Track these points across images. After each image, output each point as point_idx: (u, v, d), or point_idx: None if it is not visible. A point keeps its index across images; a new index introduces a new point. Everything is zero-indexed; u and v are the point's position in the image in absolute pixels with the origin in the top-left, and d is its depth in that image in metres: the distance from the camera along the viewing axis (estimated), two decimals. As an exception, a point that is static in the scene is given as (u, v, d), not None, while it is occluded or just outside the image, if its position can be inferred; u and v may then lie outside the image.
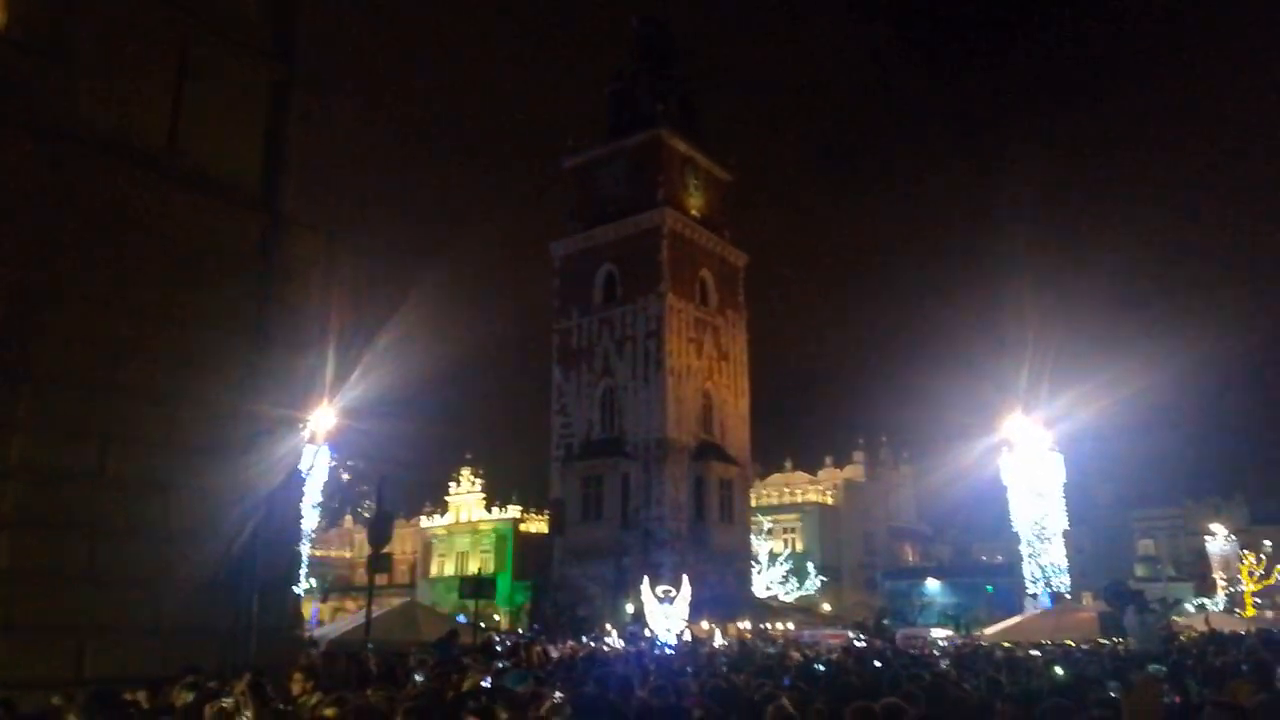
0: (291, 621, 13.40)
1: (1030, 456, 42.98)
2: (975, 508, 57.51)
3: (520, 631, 35.52)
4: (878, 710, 7.62)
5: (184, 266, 11.34)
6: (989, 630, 30.11)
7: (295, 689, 8.45)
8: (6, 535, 9.36)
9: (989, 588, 52.25)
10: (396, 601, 22.98)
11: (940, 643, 28.70)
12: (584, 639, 28.67)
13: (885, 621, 38.40)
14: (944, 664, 16.55)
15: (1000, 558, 56.37)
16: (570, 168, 55.57)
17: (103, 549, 9.84)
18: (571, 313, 53.40)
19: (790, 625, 43.05)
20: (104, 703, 5.78)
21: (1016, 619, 29.84)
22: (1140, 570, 51.81)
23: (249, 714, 7.75)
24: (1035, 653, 19.04)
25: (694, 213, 53.37)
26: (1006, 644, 24.01)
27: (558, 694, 7.20)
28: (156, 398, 10.69)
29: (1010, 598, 44.06)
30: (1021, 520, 43.88)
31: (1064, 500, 44.18)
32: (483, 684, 9.14)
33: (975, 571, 58.86)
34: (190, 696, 7.75)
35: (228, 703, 7.91)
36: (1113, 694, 10.44)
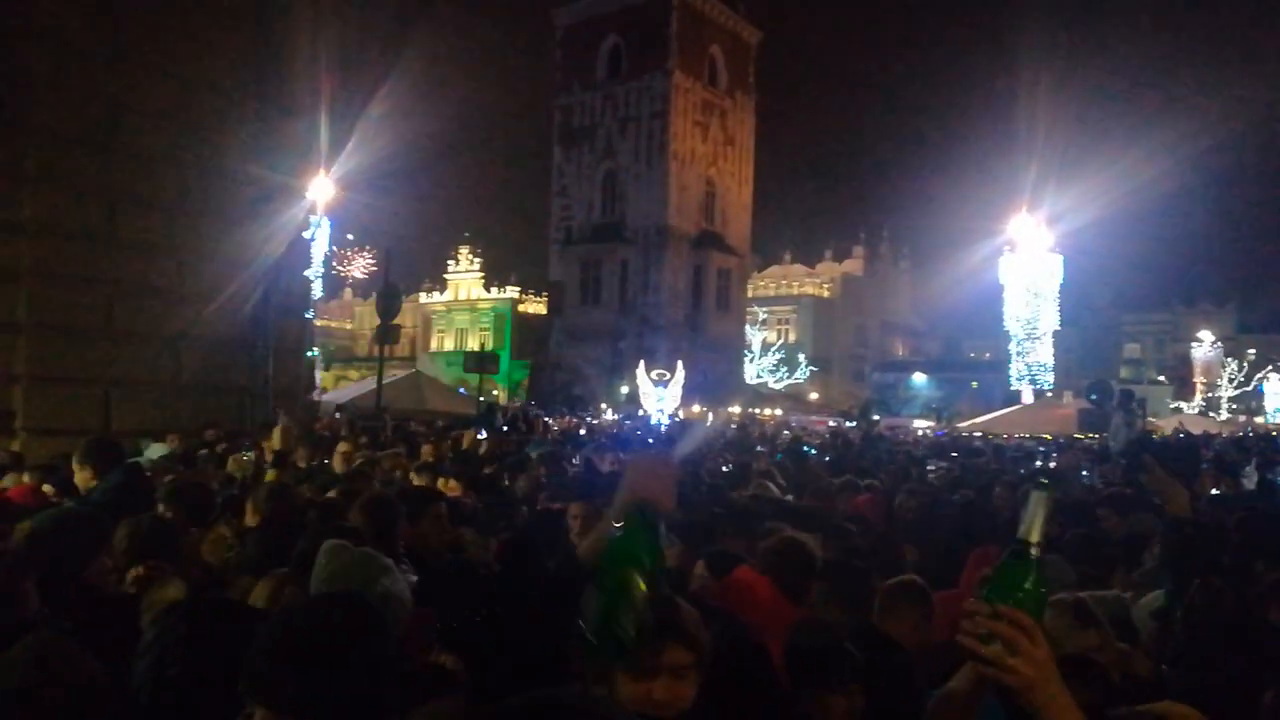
0: (305, 384, 13.87)
1: (1031, 256, 43.08)
2: (970, 307, 58.27)
3: (519, 405, 36.78)
4: (861, 485, 8.17)
5: (178, 23, 10.85)
6: (969, 422, 31.31)
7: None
8: (25, 289, 9.51)
9: (974, 383, 53.82)
10: (401, 373, 23.67)
11: (920, 432, 29.91)
12: (581, 415, 29.79)
13: (870, 411, 39.85)
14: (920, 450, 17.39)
15: (989, 355, 57.70)
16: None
17: (120, 307, 10.03)
18: (574, 88, 51.55)
19: (779, 411, 44.66)
20: (104, 451, 5.92)
21: (997, 413, 30.93)
22: (1124, 372, 53.29)
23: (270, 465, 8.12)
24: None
25: (706, -22, 50.30)
26: (982, 434, 25.10)
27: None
28: (160, 159, 10.54)
29: (994, 394, 45.50)
30: (1014, 319, 44.60)
31: (1059, 301, 44.78)
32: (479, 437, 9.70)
33: (962, 367, 60.42)
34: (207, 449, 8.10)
35: (247, 456, 8.29)
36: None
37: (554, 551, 4.03)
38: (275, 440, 5.54)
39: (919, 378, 59.83)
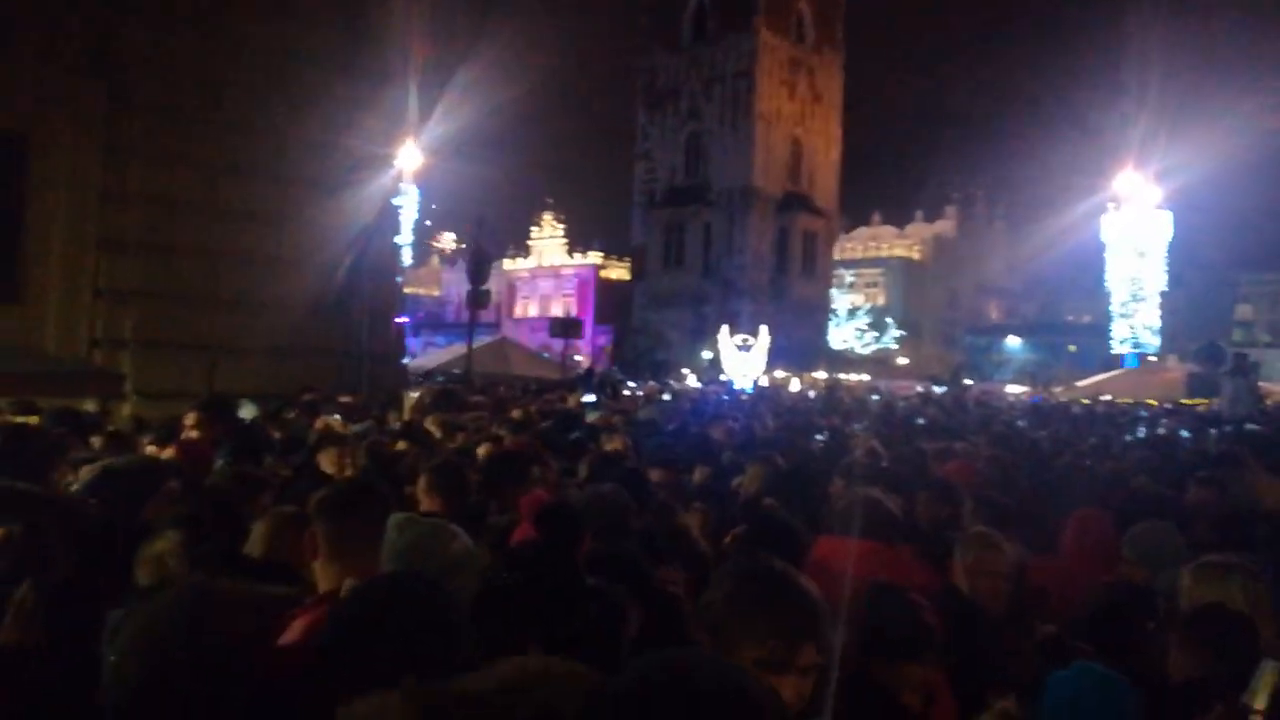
0: (397, 348, 14.18)
1: (1136, 213, 41.11)
2: (1069, 268, 55.85)
3: (604, 370, 37.00)
4: (959, 450, 7.89)
5: (273, 1, 11.09)
6: (1067, 387, 30.17)
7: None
8: (133, 258, 9.90)
9: (1072, 347, 51.87)
10: (487, 339, 24.02)
11: (1009, 398, 28.87)
12: (664, 381, 29.79)
13: (961, 375, 38.80)
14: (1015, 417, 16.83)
15: (1088, 318, 55.43)
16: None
17: (223, 274, 10.38)
18: (657, 50, 51.03)
19: (865, 376, 43.84)
20: (215, 408, 6.24)
21: (1098, 377, 29.72)
22: (1236, 335, 50.60)
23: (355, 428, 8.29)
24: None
25: (794, -68, 49.04)
26: (1084, 400, 24.15)
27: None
28: (258, 130, 10.81)
29: (1094, 358, 43.77)
30: (1117, 279, 42.73)
31: (1166, 260, 42.68)
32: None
33: (1060, 330, 58.20)
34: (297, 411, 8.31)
35: (334, 420, 8.48)
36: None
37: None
38: (407, 411, 5.75)
39: (1013, 341, 57.93)
